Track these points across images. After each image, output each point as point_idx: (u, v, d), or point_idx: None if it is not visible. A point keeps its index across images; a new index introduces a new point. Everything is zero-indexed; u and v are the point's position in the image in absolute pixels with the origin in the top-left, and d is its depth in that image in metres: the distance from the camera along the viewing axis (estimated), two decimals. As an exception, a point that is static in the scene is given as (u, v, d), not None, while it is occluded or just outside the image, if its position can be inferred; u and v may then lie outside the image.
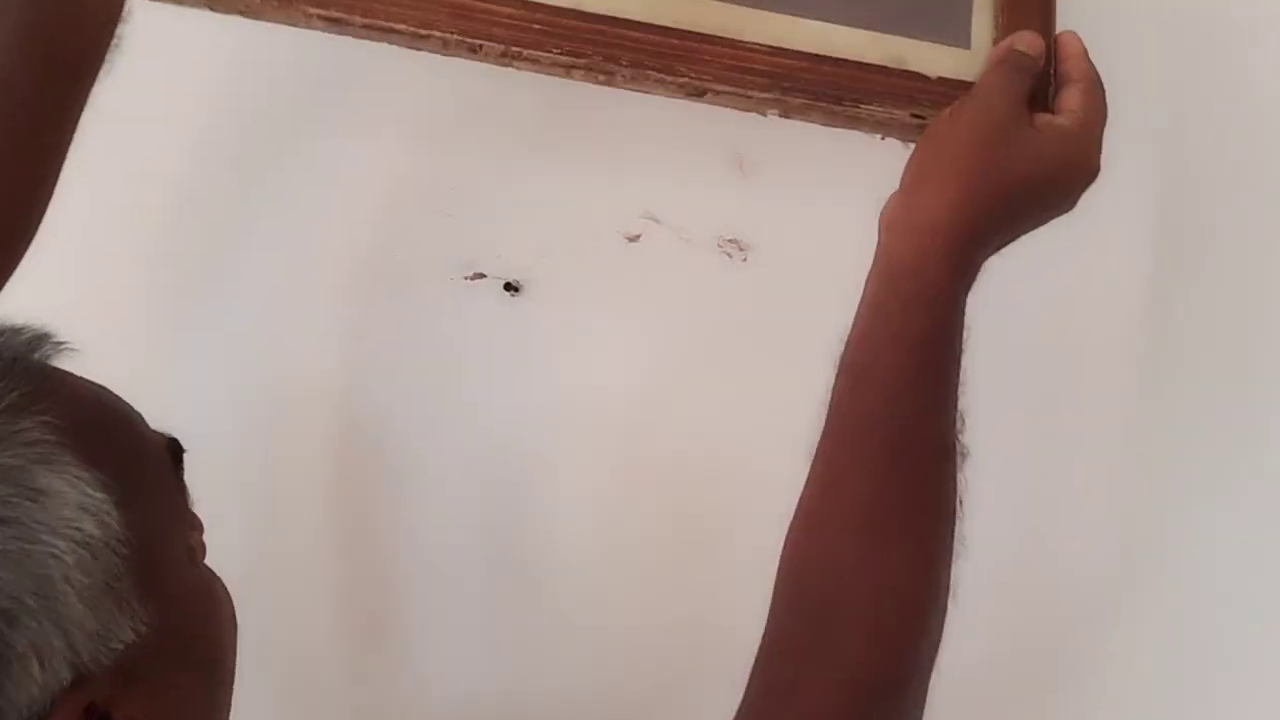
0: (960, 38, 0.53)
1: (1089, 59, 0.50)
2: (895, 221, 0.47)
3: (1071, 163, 0.48)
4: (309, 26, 0.50)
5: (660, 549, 0.60)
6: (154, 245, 0.62)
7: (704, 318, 0.62)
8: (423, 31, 0.49)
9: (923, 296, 0.44)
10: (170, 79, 0.61)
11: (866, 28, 0.52)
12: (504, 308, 0.61)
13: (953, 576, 0.42)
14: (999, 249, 0.47)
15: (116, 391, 0.40)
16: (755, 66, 0.51)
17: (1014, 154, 0.46)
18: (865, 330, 0.44)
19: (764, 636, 0.42)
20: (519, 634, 0.60)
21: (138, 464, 0.38)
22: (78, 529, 0.33)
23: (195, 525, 0.41)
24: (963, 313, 0.45)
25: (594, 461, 0.61)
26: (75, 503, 0.33)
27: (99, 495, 0.34)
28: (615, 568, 0.60)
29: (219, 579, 0.42)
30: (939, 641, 0.42)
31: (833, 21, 0.52)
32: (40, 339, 0.38)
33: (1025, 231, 0.48)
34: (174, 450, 0.42)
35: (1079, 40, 0.51)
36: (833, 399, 0.44)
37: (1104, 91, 0.49)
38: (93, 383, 0.39)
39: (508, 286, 0.62)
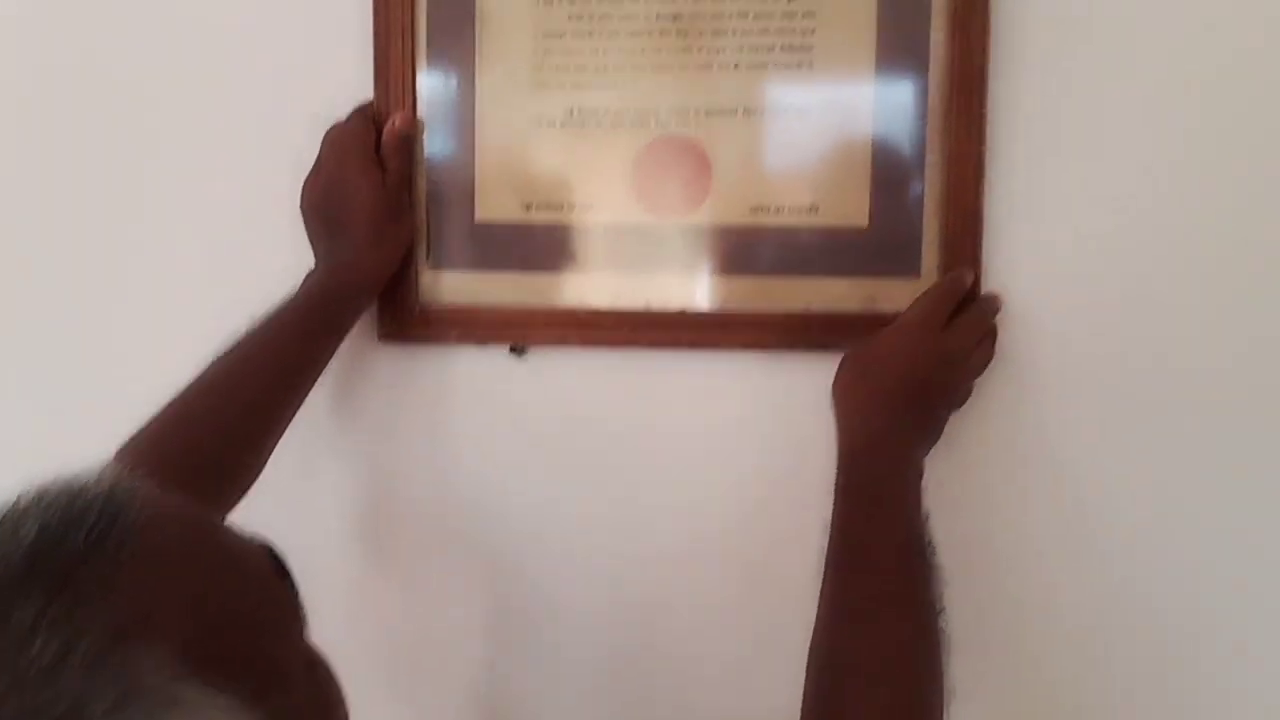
0: (913, 270, 0.75)
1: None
2: (852, 439, 0.68)
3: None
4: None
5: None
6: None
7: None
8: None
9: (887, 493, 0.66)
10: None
11: (850, 276, 0.76)
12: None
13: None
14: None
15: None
16: (769, 328, 0.75)
17: (935, 380, 0.69)
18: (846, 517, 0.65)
19: None
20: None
21: (258, 649, 0.38)
22: None
23: (305, 621, 0.43)
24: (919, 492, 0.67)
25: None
26: None
27: (229, 704, 0.34)
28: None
29: (332, 673, 0.44)
30: None
31: (827, 277, 0.76)
32: (117, 503, 0.36)
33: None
34: (273, 557, 0.43)
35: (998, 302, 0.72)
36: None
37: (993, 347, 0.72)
38: (182, 540, 0.39)
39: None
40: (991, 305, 0.72)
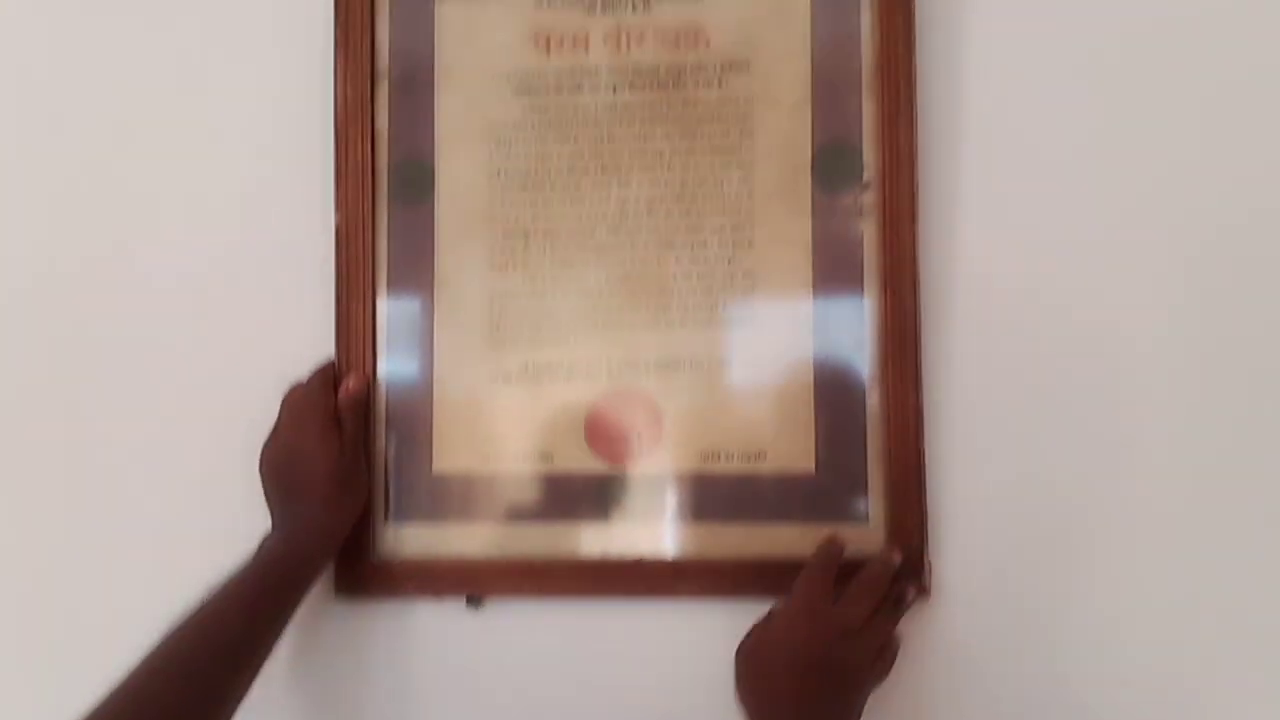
0: (861, 516, 0.77)
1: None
2: None
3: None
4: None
5: None
6: None
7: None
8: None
9: None
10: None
11: (801, 522, 0.77)
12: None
13: None
14: None
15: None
16: (724, 576, 0.76)
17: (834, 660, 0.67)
18: None
19: None
20: None
21: None
22: None
23: None
24: None
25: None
26: None
27: None
28: None
29: None
30: None
31: (778, 522, 0.77)
32: None
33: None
34: None
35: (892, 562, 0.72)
36: None
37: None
38: None
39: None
40: (885, 567, 0.72)
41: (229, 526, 0.75)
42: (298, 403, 0.76)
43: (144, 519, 0.82)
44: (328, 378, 0.78)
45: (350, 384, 0.77)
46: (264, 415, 0.77)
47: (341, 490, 0.74)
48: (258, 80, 0.83)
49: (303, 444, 0.74)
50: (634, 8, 0.78)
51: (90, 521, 0.83)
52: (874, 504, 0.76)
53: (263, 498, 0.76)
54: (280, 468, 0.75)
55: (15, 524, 0.84)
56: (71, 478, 0.83)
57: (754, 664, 0.70)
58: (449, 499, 0.79)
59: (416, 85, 0.80)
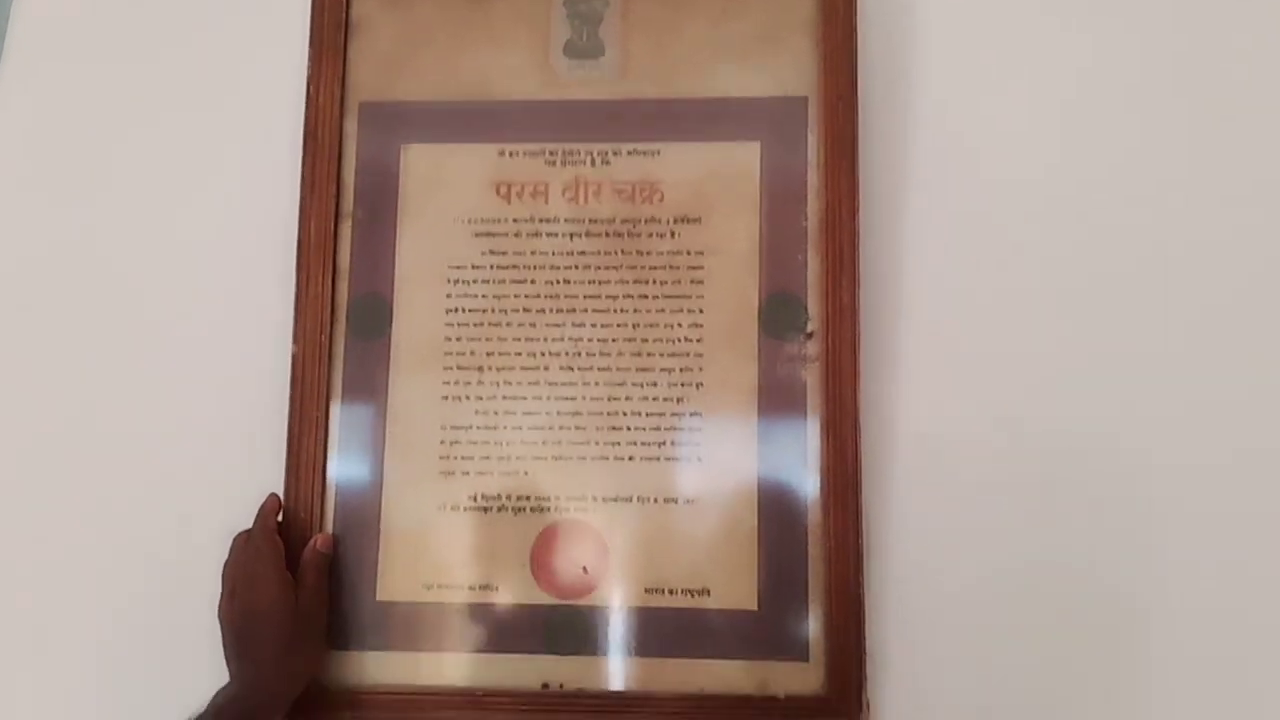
0: (802, 654, 0.78)
1: None
2: None
3: None
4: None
5: None
6: None
7: None
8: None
9: None
10: None
11: (743, 658, 0.78)
12: None
13: None
14: None
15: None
16: (667, 711, 0.77)
17: None
18: None
19: None
20: None
21: None
22: None
23: None
24: None
25: None
26: None
27: None
28: None
29: None
30: None
31: (721, 658, 0.78)
32: None
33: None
34: None
35: None
36: None
37: None
38: None
39: None
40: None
41: (186, 677, 0.74)
42: (248, 559, 0.76)
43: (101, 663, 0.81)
44: (271, 524, 0.78)
45: (317, 542, 0.78)
46: (216, 544, 0.77)
47: (297, 645, 0.74)
48: (226, 209, 0.86)
49: (256, 600, 0.73)
50: (593, 162, 0.82)
51: (47, 664, 0.82)
52: (814, 641, 0.77)
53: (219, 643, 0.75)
54: (238, 624, 0.74)
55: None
56: (28, 623, 0.83)
57: None
58: (392, 627, 0.79)
59: (379, 224, 0.82)
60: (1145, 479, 0.80)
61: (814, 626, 0.77)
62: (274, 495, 0.79)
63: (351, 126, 0.83)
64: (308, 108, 0.83)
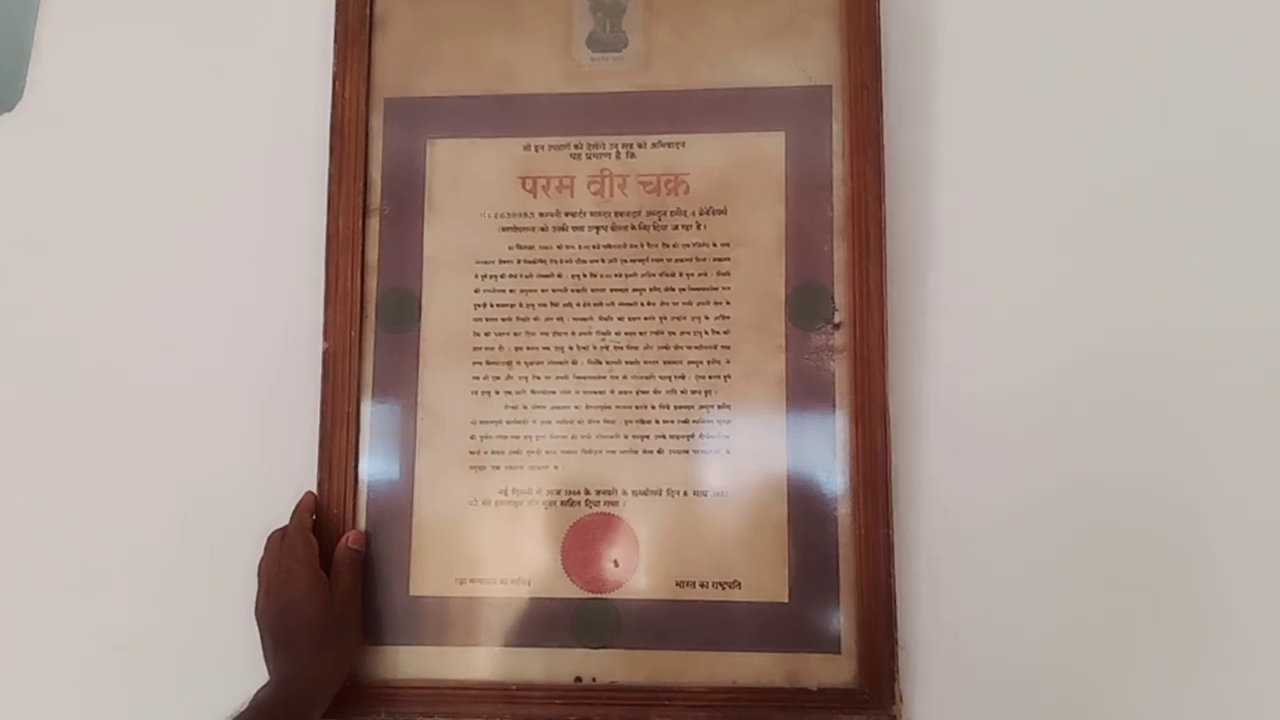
0: (834, 646, 0.78)
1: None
2: None
3: None
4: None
5: None
6: None
7: None
8: None
9: None
10: None
11: (774, 650, 0.78)
12: None
13: None
14: None
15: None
16: (698, 703, 0.77)
17: None
18: None
19: None
20: None
21: None
22: None
23: None
24: None
25: None
26: None
27: None
28: None
29: None
30: None
31: (751, 651, 0.78)
32: None
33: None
34: None
35: None
36: None
37: None
38: None
39: None
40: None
41: (226, 675, 0.75)
42: (283, 557, 0.76)
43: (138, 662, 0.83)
44: (306, 521, 0.78)
45: (350, 539, 0.78)
46: (249, 543, 0.78)
47: (333, 641, 0.75)
48: (253, 206, 0.86)
49: (292, 597, 0.74)
50: (618, 155, 0.82)
51: (86, 665, 0.83)
52: (846, 634, 0.77)
53: (258, 642, 0.76)
54: (273, 622, 0.75)
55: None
56: (64, 623, 0.84)
57: None
58: (425, 622, 0.80)
59: (406, 219, 0.83)
60: (1182, 467, 0.79)
61: (845, 618, 0.77)
62: (310, 493, 0.80)
63: (377, 122, 0.84)
64: (334, 104, 0.83)
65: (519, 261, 0.82)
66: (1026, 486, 0.79)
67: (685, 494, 0.79)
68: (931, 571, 0.78)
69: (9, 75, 0.92)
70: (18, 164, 0.90)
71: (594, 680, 0.78)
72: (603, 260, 0.81)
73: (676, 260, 0.81)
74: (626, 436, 0.80)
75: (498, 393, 0.81)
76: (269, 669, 0.74)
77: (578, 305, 0.81)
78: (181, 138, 0.88)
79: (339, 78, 0.83)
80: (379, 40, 0.85)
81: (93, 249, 0.88)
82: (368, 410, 0.81)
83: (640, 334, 0.80)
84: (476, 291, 0.82)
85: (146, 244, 0.87)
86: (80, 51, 0.91)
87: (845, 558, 0.77)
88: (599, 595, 0.79)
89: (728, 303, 0.80)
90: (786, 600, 0.78)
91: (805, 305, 0.79)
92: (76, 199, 0.88)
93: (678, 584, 0.79)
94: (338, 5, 0.85)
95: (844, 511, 0.78)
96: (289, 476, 0.81)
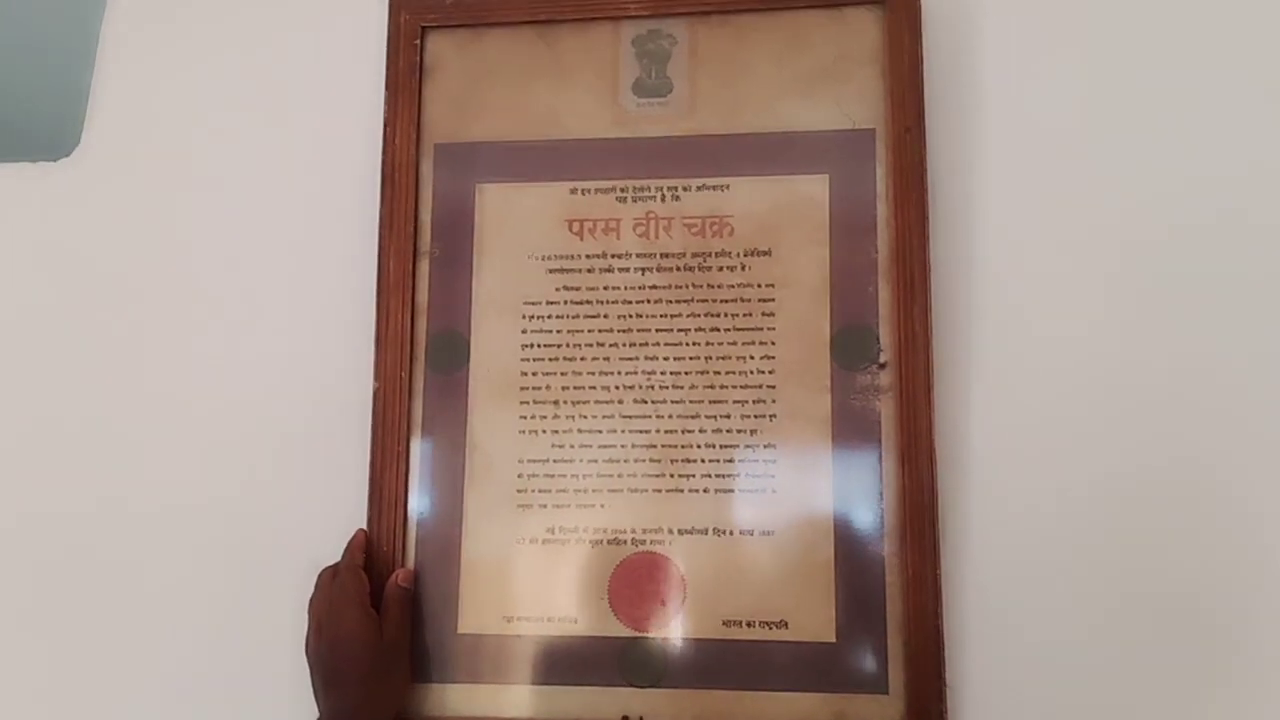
0: (881, 687, 0.78)
1: None
2: None
3: None
4: None
5: None
6: None
7: None
8: None
9: None
10: None
11: (821, 691, 0.78)
12: None
13: None
14: None
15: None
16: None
17: None
18: None
19: None
20: None
21: None
22: None
23: None
24: None
25: None
26: None
27: None
28: None
29: None
30: None
31: (798, 691, 0.78)
32: None
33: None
34: None
35: None
36: None
37: None
38: None
39: None
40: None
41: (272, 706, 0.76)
42: (335, 597, 0.77)
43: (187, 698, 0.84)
44: (358, 560, 0.79)
45: (399, 577, 0.79)
46: (300, 580, 0.79)
47: (382, 678, 0.76)
48: (309, 251, 0.88)
49: (342, 635, 0.75)
50: (663, 198, 0.83)
51: (138, 701, 0.85)
52: (893, 674, 0.77)
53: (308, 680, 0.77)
54: (323, 658, 0.75)
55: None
56: (114, 658, 0.86)
57: None
58: (473, 660, 0.80)
59: (455, 262, 0.84)
60: (1234, 512, 0.78)
61: (892, 658, 0.77)
62: (362, 531, 0.81)
63: (427, 168, 0.85)
64: (385, 150, 0.85)
65: (566, 302, 0.83)
66: (1074, 526, 0.79)
67: (731, 533, 0.80)
68: (979, 611, 0.78)
69: (66, 122, 0.95)
70: (74, 208, 0.92)
71: (641, 719, 0.78)
72: (648, 301, 0.82)
73: (721, 301, 0.82)
74: (672, 476, 0.81)
75: (545, 432, 0.82)
76: (319, 706, 0.75)
77: (624, 345, 0.82)
78: (235, 183, 0.91)
79: (390, 124, 0.85)
80: (429, 87, 0.87)
81: (147, 291, 0.90)
82: (417, 449, 0.82)
83: (685, 374, 0.81)
84: (524, 332, 0.83)
85: (200, 286, 0.89)
86: (136, 99, 0.93)
87: (892, 597, 0.77)
88: (646, 634, 0.79)
89: (773, 343, 0.81)
90: (833, 640, 0.78)
91: (850, 346, 0.80)
92: (132, 243, 0.91)
93: (724, 623, 0.79)
94: (389, 54, 0.87)
95: (890, 551, 0.78)
96: (339, 515, 0.82)
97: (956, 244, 0.82)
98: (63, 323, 0.90)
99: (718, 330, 0.81)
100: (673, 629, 0.79)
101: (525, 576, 0.81)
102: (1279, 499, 0.78)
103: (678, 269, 0.82)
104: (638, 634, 0.79)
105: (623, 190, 0.84)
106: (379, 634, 0.76)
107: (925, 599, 0.77)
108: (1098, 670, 0.77)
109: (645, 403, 0.81)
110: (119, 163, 0.92)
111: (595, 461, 0.82)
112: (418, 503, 0.82)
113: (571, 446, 0.82)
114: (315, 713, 0.75)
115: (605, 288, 0.83)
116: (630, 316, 0.82)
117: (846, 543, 0.78)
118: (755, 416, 0.80)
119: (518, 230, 0.84)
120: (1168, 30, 0.84)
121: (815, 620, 0.78)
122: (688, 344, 0.81)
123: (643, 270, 0.83)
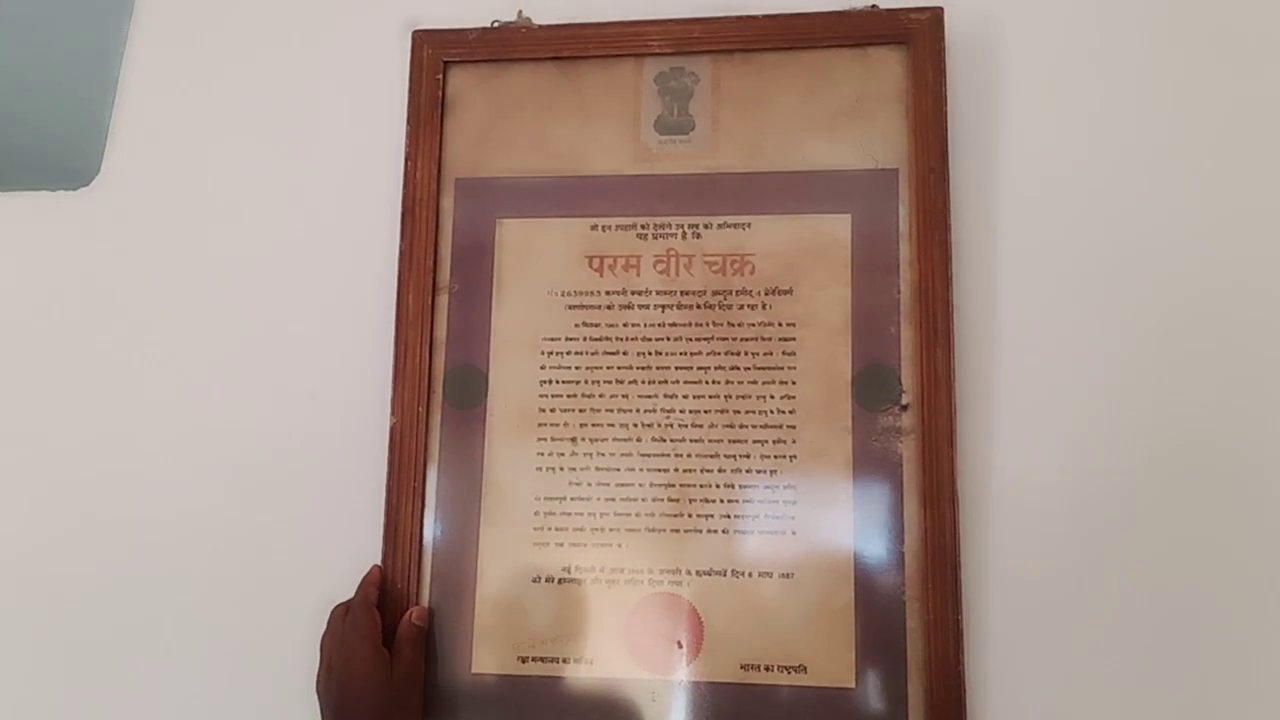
0: (902, 732, 0.77)
1: None
2: None
3: None
4: None
5: None
6: None
7: None
8: None
9: None
10: None
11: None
12: None
13: None
14: None
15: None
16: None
17: None
18: None
19: None
20: None
21: None
22: None
23: None
24: None
25: None
26: None
27: None
28: None
29: None
30: None
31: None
32: None
33: None
34: None
35: None
36: None
37: None
38: None
39: None
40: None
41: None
42: (346, 633, 0.76)
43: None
44: (372, 597, 0.78)
45: (413, 615, 0.78)
46: (312, 617, 0.78)
47: (394, 718, 0.74)
48: (328, 283, 0.88)
49: (353, 673, 0.74)
50: (684, 235, 0.83)
51: None
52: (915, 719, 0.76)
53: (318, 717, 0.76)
54: (334, 698, 0.74)
55: None
56: (125, 692, 0.85)
57: None
58: (486, 700, 0.79)
59: (475, 297, 0.84)
60: (1263, 553, 0.77)
61: (914, 703, 0.76)
62: (377, 567, 0.80)
63: (448, 202, 0.85)
64: (406, 184, 0.85)
65: (585, 339, 0.83)
66: (1097, 569, 0.78)
67: (750, 575, 0.79)
68: (1001, 657, 0.77)
69: (87, 150, 0.95)
70: (94, 238, 0.92)
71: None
72: (668, 339, 0.82)
73: (742, 340, 0.81)
74: (690, 515, 0.80)
75: (562, 469, 0.81)
76: None
77: (643, 383, 0.82)
78: (255, 215, 0.91)
79: (411, 158, 0.85)
80: (450, 122, 0.87)
81: (166, 321, 0.90)
82: (433, 485, 0.82)
83: (705, 412, 0.81)
84: (543, 369, 0.83)
85: (219, 317, 0.89)
86: (156, 129, 0.94)
87: (913, 642, 0.76)
88: (663, 677, 0.78)
89: (793, 383, 0.80)
90: (853, 685, 0.77)
91: (871, 386, 0.79)
92: (151, 272, 0.91)
93: (742, 667, 0.78)
94: (411, 88, 0.87)
95: (912, 594, 0.77)
96: (354, 550, 0.81)
97: (979, 285, 0.81)
98: (82, 352, 0.90)
99: (738, 369, 0.81)
100: (690, 671, 0.78)
101: (540, 616, 0.80)
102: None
103: (698, 306, 0.82)
104: (654, 676, 0.78)
105: (643, 227, 0.84)
106: (390, 673, 0.75)
107: (947, 643, 0.76)
108: (1126, 714, 0.76)
109: (664, 441, 0.81)
110: (139, 192, 0.92)
111: (613, 500, 0.81)
112: (433, 539, 0.81)
113: (589, 484, 0.81)
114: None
115: (625, 324, 0.82)
116: (650, 354, 0.82)
117: (867, 586, 0.77)
118: (775, 457, 0.80)
119: (537, 266, 0.84)
120: (1194, 72, 0.84)
121: (835, 664, 0.77)
122: (707, 382, 0.81)
123: (663, 308, 0.82)
